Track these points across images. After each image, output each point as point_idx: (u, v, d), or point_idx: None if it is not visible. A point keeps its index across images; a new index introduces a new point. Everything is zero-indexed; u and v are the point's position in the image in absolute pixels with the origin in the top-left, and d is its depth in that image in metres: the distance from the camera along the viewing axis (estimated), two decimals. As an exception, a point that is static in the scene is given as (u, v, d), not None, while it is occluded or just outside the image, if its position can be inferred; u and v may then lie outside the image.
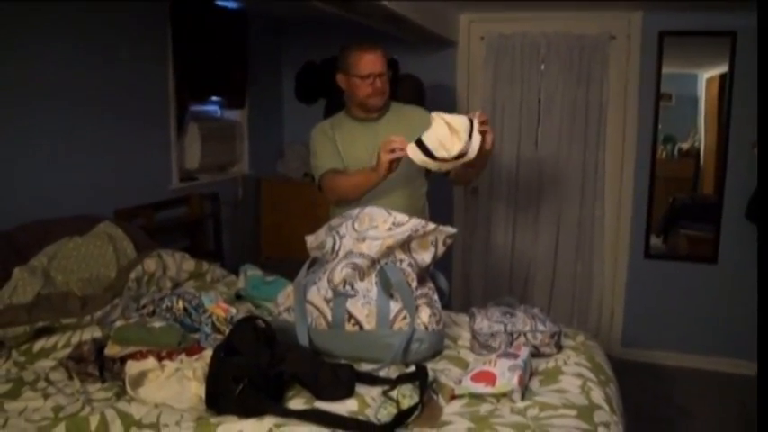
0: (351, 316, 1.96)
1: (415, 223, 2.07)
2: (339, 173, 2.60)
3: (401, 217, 2.09)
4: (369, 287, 2.00)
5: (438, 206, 2.91)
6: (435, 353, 2.04)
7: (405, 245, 2.06)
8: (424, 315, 1.98)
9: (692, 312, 4.10)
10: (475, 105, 4.33)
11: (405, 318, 1.95)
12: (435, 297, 2.09)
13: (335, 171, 2.61)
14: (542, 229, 4.29)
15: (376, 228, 2.07)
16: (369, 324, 1.95)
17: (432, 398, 1.73)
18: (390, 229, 2.06)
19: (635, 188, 4.12)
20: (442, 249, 2.12)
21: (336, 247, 2.09)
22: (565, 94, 4.11)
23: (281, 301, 2.14)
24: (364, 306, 1.96)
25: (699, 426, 3.33)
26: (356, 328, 1.95)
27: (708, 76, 4.01)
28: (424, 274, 2.13)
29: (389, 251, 2.04)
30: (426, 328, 1.97)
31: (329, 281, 2.01)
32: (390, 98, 2.72)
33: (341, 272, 2.01)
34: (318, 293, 2.01)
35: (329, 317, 1.98)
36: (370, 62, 2.57)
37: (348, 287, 2.00)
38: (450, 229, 2.13)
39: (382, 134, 2.53)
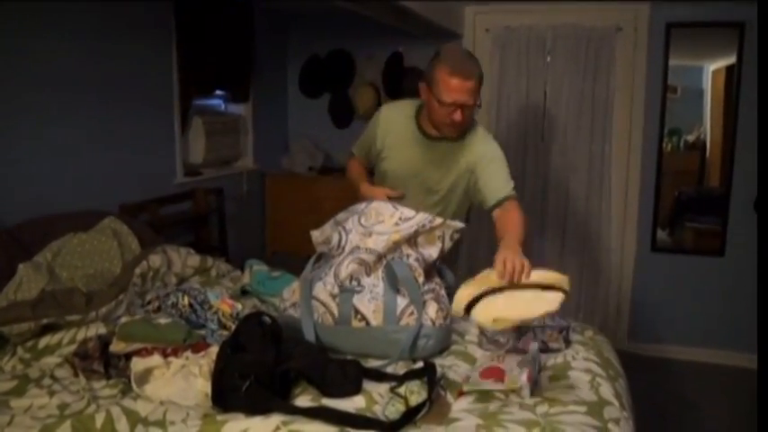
0: (357, 312, 1.95)
1: (421, 218, 2.05)
2: (356, 164, 2.70)
3: (408, 211, 2.08)
4: (375, 282, 1.99)
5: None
6: (443, 349, 2.02)
7: (411, 240, 2.05)
8: (432, 310, 1.96)
9: (698, 306, 4.08)
10: (481, 97, 4.30)
11: (412, 313, 1.94)
12: (443, 292, 2.07)
13: (357, 160, 2.71)
14: (548, 222, 4.27)
15: (382, 222, 2.05)
16: (375, 320, 1.93)
17: (440, 394, 1.72)
18: (397, 223, 2.05)
19: (641, 181, 4.10)
20: (449, 244, 2.11)
21: (343, 243, 2.07)
22: (571, 86, 4.08)
23: (287, 297, 2.13)
24: (371, 302, 1.95)
25: (707, 420, 3.31)
26: (363, 323, 1.94)
27: (714, 68, 3.98)
28: (431, 269, 2.11)
29: (396, 246, 2.02)
30: (434, 323, 1.95)
31: (335, 276, 2.00)
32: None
33: (347, 267, 2.00)
34: (324, 289, 2.00)
35: (335, 312, 1.96)
36: (458, 90, 2.24)
37: (354, 282, 1.98)
38: (458, 224, 2.11)
39: (435, 158, 2.46)
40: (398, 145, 2.51)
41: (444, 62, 2.26)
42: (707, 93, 4.03)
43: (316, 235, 2.22)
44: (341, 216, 2.18)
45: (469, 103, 2.29)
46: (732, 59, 3.82)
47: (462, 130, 2.41)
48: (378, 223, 2.06)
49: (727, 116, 3.91)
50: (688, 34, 3.90)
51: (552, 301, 1.70)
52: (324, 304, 1.98)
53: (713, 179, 4.12)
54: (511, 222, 2.31)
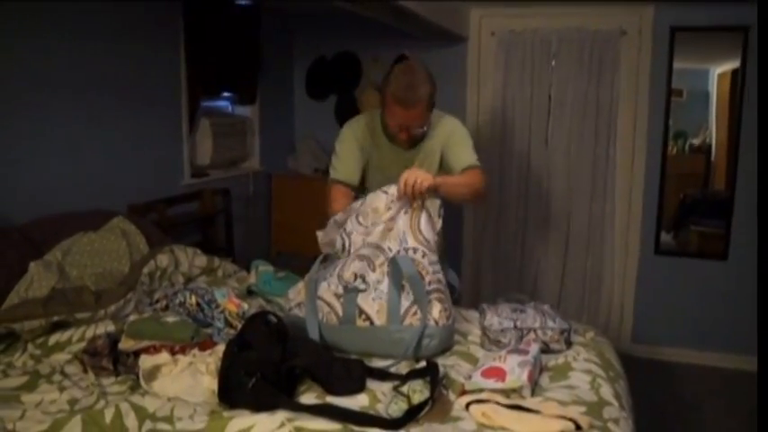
0: (362, 311, 1.97)
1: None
2: (341, 199, 2.49)
3: (394, 188, 2.12)
4: (380, 278, 2.01)
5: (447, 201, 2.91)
6: (446, 349, 2.05)
7: (412, 224, 2.07)
8: (435, 311, 1.99)
9: (702, 309, 4.09)
10: (485, 101, 4.34)
11: (415, 313, 1.96)
12: (447, 290, 2.09)
13: (344, 188, 2.53)
14: (552, 225, 4.29)
15: (380, 218, 2.09)
16: (379, 320, 1.96)
17: (442, 393, 1.74)
18: (389, 207, 2.08)
19: (645, 184, 4.11)
20: (439, 222, 2.14)
21: (347, 246, 2.11)
22: (575, 89, 4.10)
23: (292, 297, 2.16)
24: (375, 301, 1.98)
25: (708, 422, 3.33)
26: (367, 323, 1.97)
27: (719, 71, 3.99)
28: (439, 252, 2.13)
29: (392, 233, 2.06)
30: (437, 323, 1.98)
31: (339, 277, 2.02)
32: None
33: (350, 265, 2.03)
34: (329, 289, 2.02)
35: (340, 312, 1.99)
36: (399, 116, 2.37)
37: (359, 280, 2.01)
38: (436, 200, 2.14)
39: (413, 162, 2.52)
40: (381, 156, 2.57)
41: (391, 87, 2.35)
42: (712, 96, 4.05)
43: (320, 236, 2.25)
44: (340, 216, 2.21)
45: (413, 127, 2.41)
46: (737, 63, 3.84)
47: (412, 144, 2.52)
48: (378, 219, 2.10)
49: (733, 119, 3.92)
50: (692, 38, 3.92)
51: (553, 426, 1.57)
52: (328, 304, 2.01)
53: (718, 182, 4.13)
54: (458, 176, 2.47)
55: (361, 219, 2.14)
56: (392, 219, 2.09)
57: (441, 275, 2.10)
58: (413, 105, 2.33)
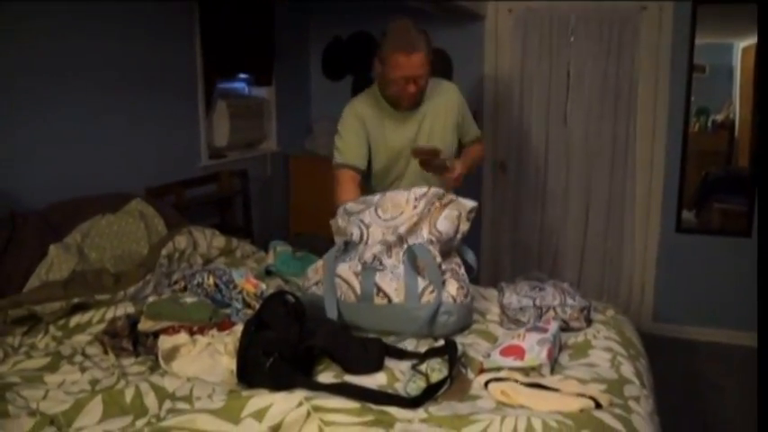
0: (380, 289, 1.97)
1: (435, 191, 2.10)
2: (351, 186, 2.51)
3: (419, 190, 2.12)
4: (396, 264, 2.01)
5: (466, 181, 2.89)
6: (464, 326, 2.04)
7: (429, 219, 2.06)
8: (452, 288, 1.98)
9: (724, 287, 4.05)
10: (503, 79, 4.29)
11: (432, 291, 1.96)
12: (462, 271, 2.08)
13: (352, 173, 2.54)
14: (571, 203, 4.25)
15: (402, 213, 2.08)
16: (398, 297, 1.95)
17: (460, 372, 1.74)
18: (415, 206, 2.07)
19: (666, 161, 4.06)
20: (466, 225, 2.12)
21: (365, 237, 2.10)
22: (594, 67, 4.05)
23: (311, 276, 2.16)
24: (392, 280, 1.97)
25: (729, 400, 3.30)
26: (385, 301, 1.96)
27: (744, 45, 3.91)
28: (449, 249, 2.12)
29: (416, 227, 2.05)
30: (455, 300, 1.97)
31: (360, 257, 2.03)
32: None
33: (371, 249, 2.03)
34: (348, 269, 2.02)
35: (358, 290, 1.99)
36: (404, 65, 2.39)
37: (377, 262, 2.01)
38: (471, 203, 2.13)
39: (424, 123, 2.58)
40: (381, 128, 2.57)
41: (389, 40, 2.41)
42: (737, 71, 3.97)
43: (334, 224, 2.26)
44: (351, 206, 2.20)
45: (419, 75, 2.42)
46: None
47: (417, 101, 2.55)
48: (398, 215, 2.09)
49: (758, 95, 3.84)
50: (716, 11, 3.84)
51: (573, 404, 1.54)
52: (347, 281, 2.01)
53: (743, 159, 4.06)
54: (470, 152, 2.81)
55: (380, 212, 2.13)
56: (417, 215, 2.08)
57: (457, 259, 2.11)
58: (415, 51, 2.37)
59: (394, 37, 2.40)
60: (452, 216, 2.08)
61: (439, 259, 2.01)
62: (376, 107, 2.60)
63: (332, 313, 2.00)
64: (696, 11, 3.83)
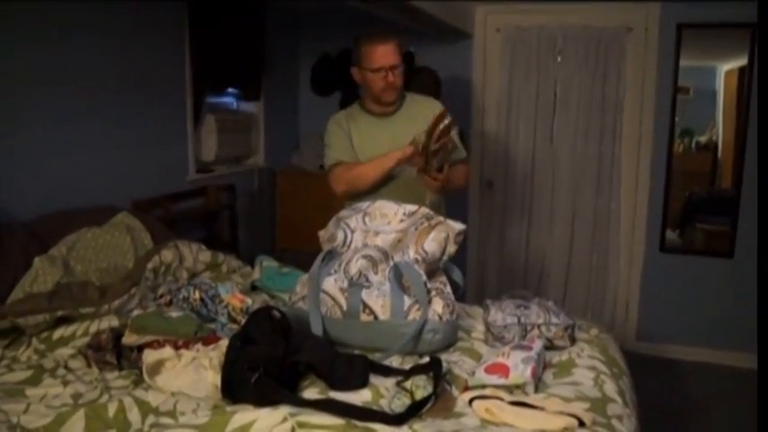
0: (366, 306, 1.97)
1: (425, 211, 2.12)
2: (348, 164, 2.64)
3: (411, 207, 2.14)
4: (382, 280, 2.02)
5: (452, 198, 2.91)
6: (449, 344, 2.05)
7: (417, 239, 2.07)
8: (438, 306, 1.99)
9: (707, 307, 4.08)
10: (491, 98, 4.33)
11: (419, 309, 1.96)
12: (448, 290, 2.10)
13: (345, 163, 2.65)
14: (557, 222, 4.28)
15: (389, 224, 2.10)
16: (384, 315, 1.96)
17: (445, 389, 1.74)
18: (402, 220, 2.09)
19: (651, 182, 4.10)
20: (453, 247, 2.14)
21: (348, 240, 2.11)
22: (581, 86, 4.09)
23: (298, 290, 2.16)
24: (379, 298, 1.98)
25: (713, 420, 3.32)
26: (371, 318, 1.97)
27: (727, 68, 3.97)
28: (434, 268, 2.13)
29: (401, 244, 2.06)
30: (440, 318, 1.98)
31: (345, 272, 2.03)
32: (405, 89, 2.72)
33: (356, 263, 2.03)
34: (334, 284, 2.03)
35: (344, 306, 1.99)
36: (381, 55, 2.55)
37: (363, 279, 2.01)
38: (459, 225, 2.15)
39: (398, 130, 2.59)
40: (365, 135, 2.68)
41: (362, 40, 2.59)
42: (719, 94, 4.03)
43: (322, 234, 2.26)
44: (343, 213, 2.22)
45: (396, 63, 2.56)
46: (745, 60, 3.82)
47: (398, 92, 2.66)
48: (384, 225, 2.10)
49: (740, 117, 3.90)
50: (699, 35, 3.90)
51: (556, 422, 1.55)
52: (333, 298, 2.01)
53: (725, 180, 4.11)
54: (452, 171, 2.61)
55: (367, 219, 2.15)
56: (403, 231, 2.09)
57: (443, 277, 2.13)
58: (389, 39, 2.56)
59: (367, 35, 2.59)
60: (440, 238, 2.10)
61: (425, 278, 2.02)
62: (355, 118, 2.73)
63: (317, 330, 2.00)
64: (681, 33, 3.89)
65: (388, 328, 1.95)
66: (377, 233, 2.08)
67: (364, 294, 1.99)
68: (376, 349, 1.96)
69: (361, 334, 1.99)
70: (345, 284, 2.01)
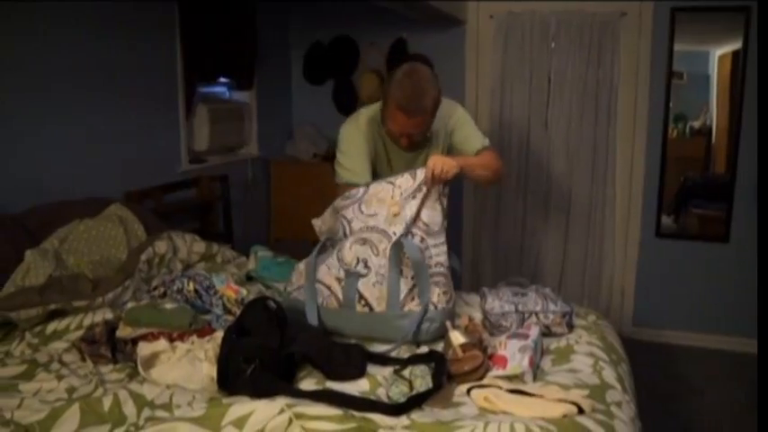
0: (361, 297, 1.96)
1: (420, 179, 2.08)
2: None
3: (404, 181, 2.10)
4: (383, 263, 2.00)
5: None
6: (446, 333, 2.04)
7: (416, 214, 2.06)
8: (435, 295, 1.98)
9: (703, 291, 4.08)
10: (484, 84, 4.30)
11: (414, 299, 1.95)
12: (445, 271, 2.07)
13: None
14: (552, 208, 4.27)
15: (384, 206, 2.07)
16: (379, 306, 1.95)
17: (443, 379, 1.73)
18: (393, 196, 2.07)
19: (646, 167, 4.09)
20: (445, 202, 2.12)
21: (347, 232, 2.10)
22: (575, 72, 4.07)
23: (294, 280, 2.15)
24: (375, 286, 1.97)
25: (709, 404, 3.33)
26: (366, 309, 1.96)
27: (720, 53, 3.96)
28: (441, 235, 2.10)
29: (398, 217, 2.03)
30: (436, 307, 1.97)
31: (339, 260, 2.01)
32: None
33: (350, 249, 2.01)
34: (329, 273, 2.01)
35: (340, 296, 1.98)
36: (401, 123, 2.30)
37: (361, 265, 2.00)
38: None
39: (422, 154, 2.50)
40: (380, 145, 2.51)
41: (396, 92, 2.26)
42: (713, 78, 4.01)
43: (317, 224, 2.24)
44: (339, 203, 2.19)
45: (414, 134, 2.34)
46: (738, 44, 3.80)
47: (413, 148, 2.46)
48: (382, 210, 2.08)
49: (734, 102, 3.89)
50: (693, 19, 3.88)
51: (556, 409, 1.55)
52: (329, 288, 2.00)
53: (719, 165, 4.11)
54: (475, 156, 2.45)
55: (363, 207, 2.13)
56: (399, 204, 2.07)
57: (443, 258, 2.08)
58: (417, 114, 2.27)
59: (401, 91, 2.25)
60: (432, 204, 2.08)
61: (429, 261, 2.00)
62: (375, 126, 2.50)
63: (312, 320, 1.99)
64: (674, 18, 3.87)
65: (383, 319, 1.94)
66: (376, 223, 2.07)
67: (360, 284, 1.97)
68: (372, 339, 1.95)
69: (358, 324, 1.98)
70: (342, 274, 2.00)
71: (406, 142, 2.38)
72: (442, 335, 2.01)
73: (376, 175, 2.49)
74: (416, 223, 2.04)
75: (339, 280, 2.00)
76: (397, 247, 1.98)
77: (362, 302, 1.96)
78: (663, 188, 4.10)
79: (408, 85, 2.25)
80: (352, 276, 1.99)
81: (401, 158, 2.50)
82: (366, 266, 2.00)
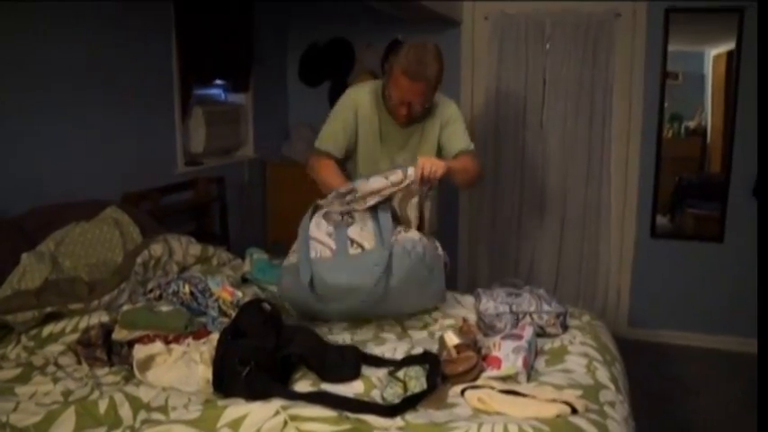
0: (353, 241, 2.05)
1: (411, 177, 2.15)
2: (329, 165, 2.56)
3: (394, 176, 2.15)
4: (366, 214, 2.12)
5: (443, 187, 2.90)
6: (431, 267, 2.09)
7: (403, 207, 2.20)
8: (412, 231, 2.12)
9: (698, 291, 4.09)
10: (479, 85, 4.31)
11: (400, 232, 2.08)
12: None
13: (327, 157, 2.58)
14: (548, 209, 4.28)
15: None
16: (370, 245, 2.04)
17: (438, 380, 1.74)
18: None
19: (641, 167, 4.10)
20: (426, 201, 2.24)
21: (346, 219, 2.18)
22: (570, 73, 4.08)
23: (290, 256, 2.20)
24: (363, 230, 2.08)
25: (705, 404, 3.34)
26: (359, 250, 2.04)
27: (715, 53, 3.97)
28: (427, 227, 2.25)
29: (372, 194, 2.12)
30: (420, 240, 2.07)
31: (327, 218, 2.13)
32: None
33: (334, 210, 2.15)
34: (319, 229, 2.10)
35: (333, 245, 2.05)
36: (404, 89, 2.39)
37: (348, 217, 2.11)
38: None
39: (410, 138, 2.59)
40: (368, 127, 2.58)
41: (401, 59, 2.38)
42: (708, 78, 4.03)
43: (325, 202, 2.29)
44: (344, 188, 2.22)
45: (415, 103, 2.43)
46: (732, 45, 3.81)
47: (409, 122, 2.54)
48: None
49: (728, 102, 3.90)
50: (687, 19, 3.89)
51: (549, 410, 1.56)
52: (321, 242, 2.07)
53: (714, 165, 4.12)
54: (457, 160, 2.52)
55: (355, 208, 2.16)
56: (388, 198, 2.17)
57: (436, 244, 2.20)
58: (418, 80, 2.36)
59: (407, 57, 2.38)
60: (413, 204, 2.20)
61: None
62: (378, 101, 2.57)
63: (305, 276, 2.00)
64: (669, 18, 3.88)
65: (375, 255, 2.00)
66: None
67: (349, 231, 2.07)
68: (361, 288, 1.98)
69: (349, 270, 2.01)
70: (331, 229, 2.08)
71: (404, 111, 2.45)
72: (430, 269, 2.07)
73: (359, 149, 2.61)
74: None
75: (330, 234, 2.08)
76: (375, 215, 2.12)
77: (354, 245, 2.04)
78: (658, 188, 4.11)
79: (414, 54, 2.38)
80: (340, 227, 2.08)
81: (393, 137, 2.59)
82: (351, 216, 2.11)
